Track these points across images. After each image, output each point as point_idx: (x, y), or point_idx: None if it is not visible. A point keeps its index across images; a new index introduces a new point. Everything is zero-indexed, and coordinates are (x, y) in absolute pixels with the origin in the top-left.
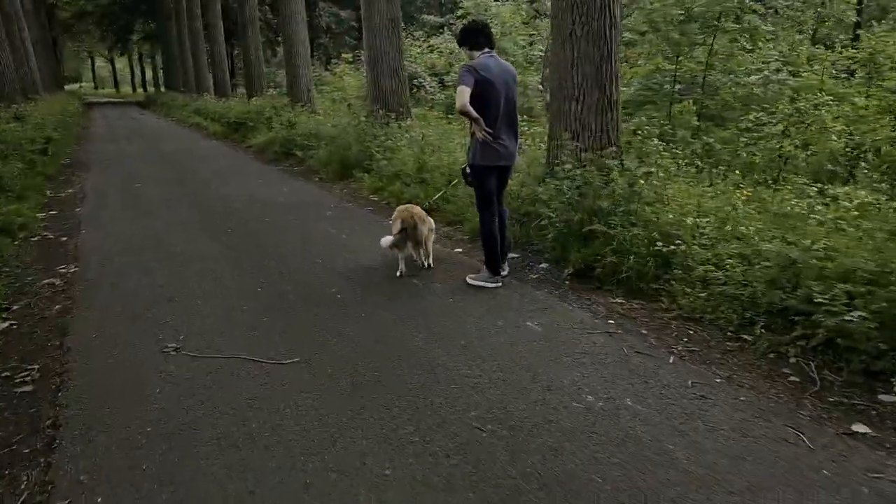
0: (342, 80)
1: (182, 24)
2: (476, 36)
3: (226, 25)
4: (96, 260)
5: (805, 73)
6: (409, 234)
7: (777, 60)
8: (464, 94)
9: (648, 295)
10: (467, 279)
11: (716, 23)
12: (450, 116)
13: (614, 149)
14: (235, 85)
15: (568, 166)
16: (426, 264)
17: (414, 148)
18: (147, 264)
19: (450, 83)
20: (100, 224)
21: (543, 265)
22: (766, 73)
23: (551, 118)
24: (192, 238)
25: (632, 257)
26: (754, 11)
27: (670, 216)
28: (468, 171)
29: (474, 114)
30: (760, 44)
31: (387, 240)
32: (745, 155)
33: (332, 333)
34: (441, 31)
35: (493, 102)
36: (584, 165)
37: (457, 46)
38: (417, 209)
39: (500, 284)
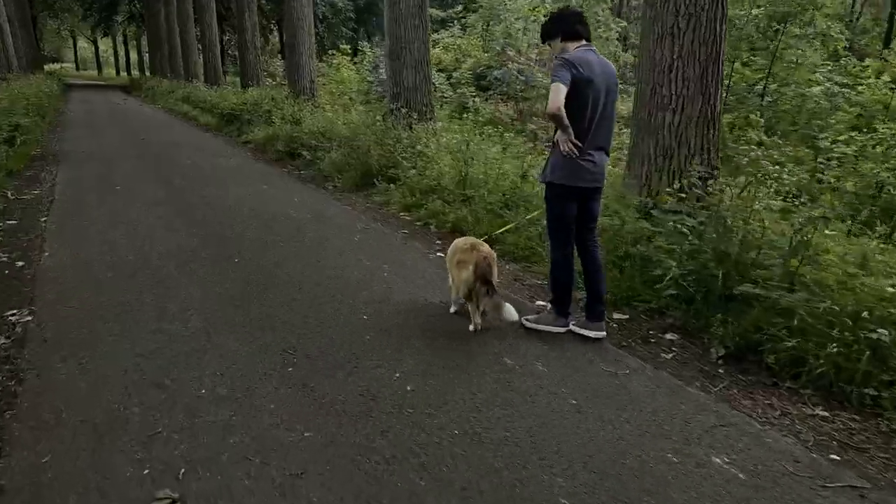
0: (340, 72)
1: (171, 6)
2: (572, 23)
3: (217, 9)
4: (61, 302)
5: (861, 87)
6: (482, 283)
7: (833, 72)
8: (559, 94)
9: (859, 404)
10: (524, 321)
11: (779, 26)
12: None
13: (711, 171)
14: (226, 72)
15: (692, 199)
16: (478, 326)
17: (450, 156)
18: (129, 320)
19: (462, 81)
20: (69, 242)
21: (670, 336)
22: (828, 84)
23: (636, 131)
24: (186, 272)
25: (833, 344)
26: (826, 15)
27: (835, 277)
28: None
29: (566, 121)
30: (826, 52)
31: (459, 301)
32: (832, 181)
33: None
34: (444, 26)
35: (588, 108)
36: (702, 197)
37: (465, 43)
38: (486, 247)
39: (565, 329)
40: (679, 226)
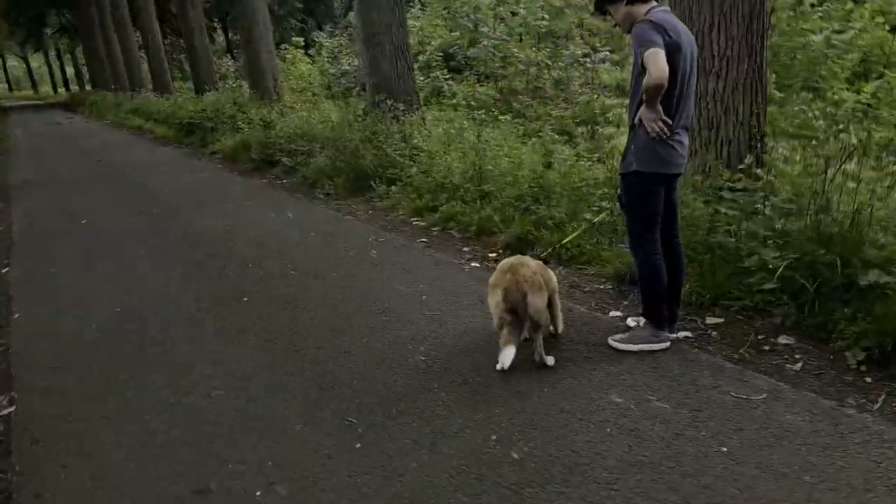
0: (297, 67)
1: (105, 12)
2: None
3: (155, 12)
4: (47, 382)
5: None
6: (518, 313)
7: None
8: (662, 59)
9: None
10: (612, 343)
11: None
12: (443, 103)
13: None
14: (174, 78)
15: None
16: (542, 358)
17: (456, 149)
18: (136, 401)
19: (433, 64)
20: (41, 298)
21: (785, 339)
22: (826, 32)
23: None
24: (193, 324)
25: None
26: None
27: None
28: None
29: (657, 96)
30: None
31: (506, 356)
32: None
33: None
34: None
35: (677, 80)
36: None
37: (427, 23)
38: (531, 268)
39: (668, 345)
40: (764, 206)
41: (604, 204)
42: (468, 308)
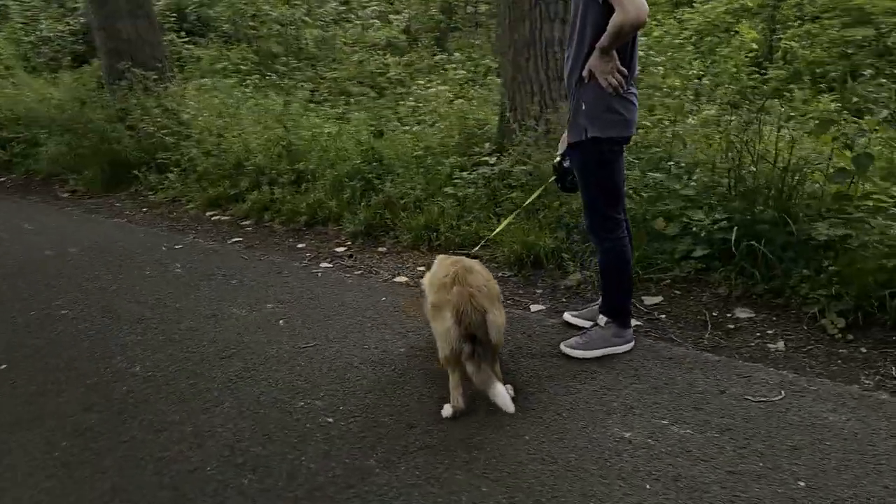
0: None
1: None
2: None
3: None
4: None
5: None
6: (477, 338)
7: None
8: None
9: None
10: (565, 349)
11: None
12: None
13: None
14: None
15: None
16: (458, 410)
17: (256, 122)
18: None
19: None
20: None
21: (744, 313)
22: None
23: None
24: None
25: None
26: None
27: None
28: (566, 161)
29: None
30: None
31: (448, 409)
32: None
33: None
34: None
35: None
36: None
37: None
38: (478, 273)
39: (633, 344)
40: (670, 164)
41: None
42: (352, 328)
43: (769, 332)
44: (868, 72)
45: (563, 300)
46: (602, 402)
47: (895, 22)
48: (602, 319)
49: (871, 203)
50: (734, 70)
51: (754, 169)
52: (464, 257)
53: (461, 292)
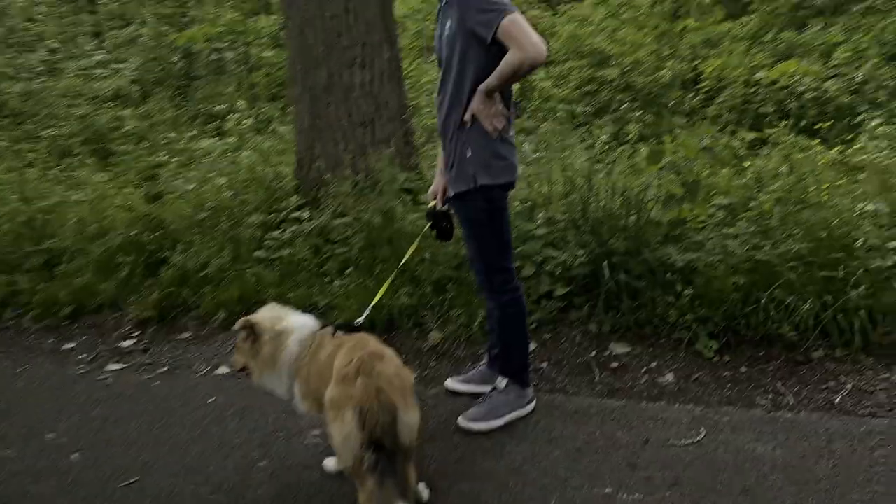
0: None
1: None
2: None
3: None
4: None
5: None
6: (386, 445)
7: None
8: (530, 27)
9: None
10: (466, 425)
11: None
12: None
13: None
14: None
15: None
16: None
17: None
18: None
19: None
20: None
21: (621, 348)
22: None
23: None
24: None
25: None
26: None
27: None
28: (446, 209)
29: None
30: None
31: (332, 462)
32: None
33: None
34: None
35: None
36: None
37: None
38: (383, 358)
39: (535, 402)
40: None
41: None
42: (182, 450)
43: (652, 364)
44: (625, 105)
45: (433, 365)
46: (531, 481)
47: (632, 62)
48: (501, 382)
49: (696, 224)
50: None
51: (601, 202)
52: (366, 335)
53: (367, 387)
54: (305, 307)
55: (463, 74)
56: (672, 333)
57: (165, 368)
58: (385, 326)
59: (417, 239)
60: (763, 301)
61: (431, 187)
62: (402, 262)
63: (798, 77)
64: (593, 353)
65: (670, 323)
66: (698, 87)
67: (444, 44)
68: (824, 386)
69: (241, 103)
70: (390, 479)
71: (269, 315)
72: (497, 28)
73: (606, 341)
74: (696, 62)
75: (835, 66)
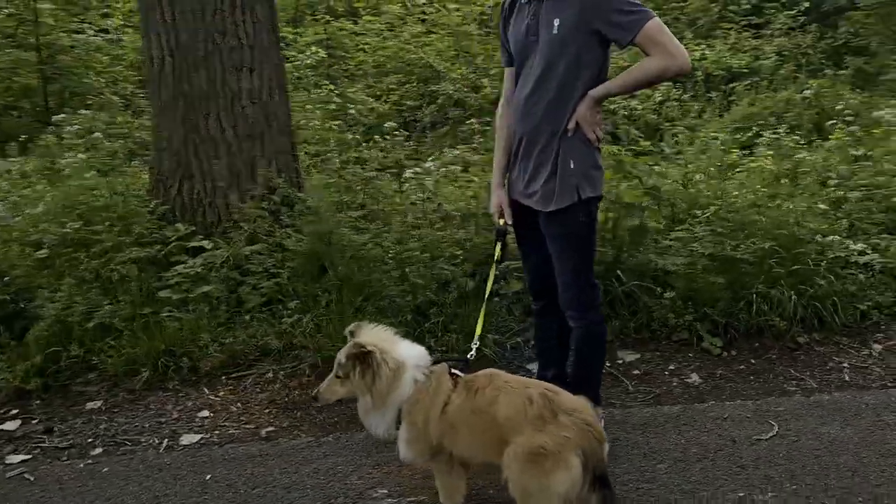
0: None
1: None
2: None
3: None
4: None
5: None
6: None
7: None
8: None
9: None
10: None
11: None
12: None
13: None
14: None
15: None
16: None
17: None
18: None
19: None
20: None
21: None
22: None
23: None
24: None
25: None
26: None
27: None
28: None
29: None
30: None
31: None
32: None
33: None
34: None
35: None
36: None
37: None
38: (563, 393)
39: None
40: None
41: None
42: None
43: (670, 367)
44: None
45: None
46: (663, 498)
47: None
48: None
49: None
50: None
51: None
52: (492, 370)
53: (578, 425)
54: (258, 353)
55: (574, 78)
56: (671, 335)
57: (99, 450)
58: None
59: (494, 264)
60: (754, 295)
61: (493, 203)
62: (488, 291)
63: None
64: (608, 364)
65: (669, 325)
66: None
67: (543, 43)
68: (827, 367)
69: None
70: None
71: (381, 343)
72: (639, 31)
73: (613, 350)
74: None
75: None
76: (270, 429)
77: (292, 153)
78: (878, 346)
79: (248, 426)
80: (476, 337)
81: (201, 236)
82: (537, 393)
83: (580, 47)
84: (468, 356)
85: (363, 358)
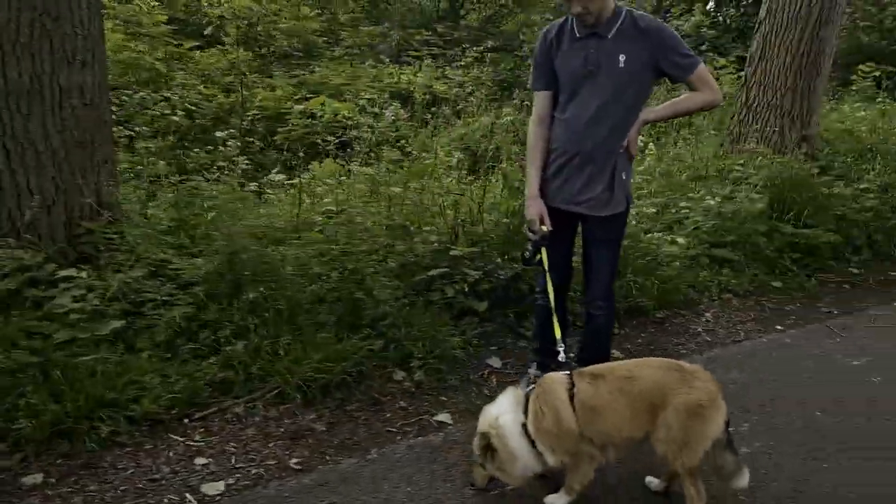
0: None
1: None
2: None
3: None
4: None
5: None
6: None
7: None
8: None
9: None
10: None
11: None
12: None
13: None
14: None
15: None
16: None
17: None
18: None
19: None
20: None
21: None
22: None
23: None
24: None
25: None
26: None
27: None
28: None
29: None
30: None
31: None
32: None
33: None
34: None
35: None
36: None
37: None
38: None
39: None
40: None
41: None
42: None
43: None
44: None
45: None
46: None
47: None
48: None
49: None
50: None
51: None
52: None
53: (711, 380)
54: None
55: (636, 104)
56: None
57: None
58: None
59: (547, 273)
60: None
61: (532, 212)
62: (552, 297)
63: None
64: None
65: None
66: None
67: (608, 75)
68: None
69: None
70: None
71: (490, 419)
72: (694, 72)
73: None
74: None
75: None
76: (296, 459)
77: (113, 161)
78: (708, 315)
79: (268, 462)
80: (559, 340)
81: (64, 264)
82: (666, 364)
83: (644, 80)
84: (559, 358)
85: (488, 446)
